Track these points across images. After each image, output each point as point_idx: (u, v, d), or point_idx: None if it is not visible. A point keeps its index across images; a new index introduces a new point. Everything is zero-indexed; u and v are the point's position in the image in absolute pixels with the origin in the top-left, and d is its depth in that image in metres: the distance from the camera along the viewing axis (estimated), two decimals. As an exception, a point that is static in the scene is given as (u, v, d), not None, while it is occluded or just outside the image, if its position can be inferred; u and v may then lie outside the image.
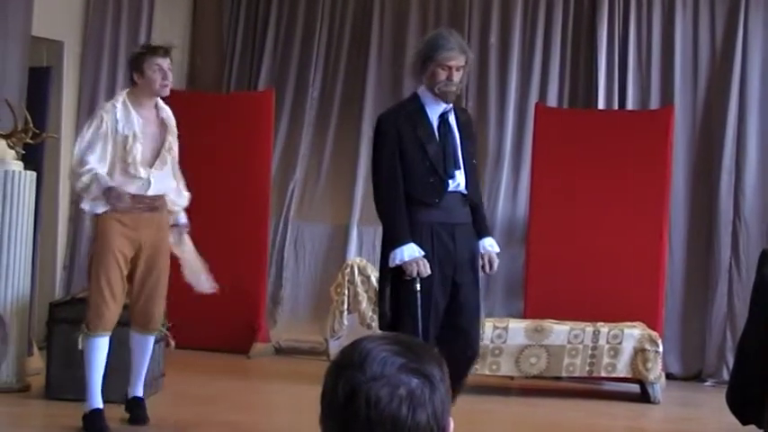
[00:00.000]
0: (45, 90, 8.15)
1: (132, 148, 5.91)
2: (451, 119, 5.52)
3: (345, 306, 8.63)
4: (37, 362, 7.37)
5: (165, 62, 6.00)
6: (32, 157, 7.29)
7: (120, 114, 5.91)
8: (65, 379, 6.55)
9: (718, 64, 9.26)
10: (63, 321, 6.61)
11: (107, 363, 6.01)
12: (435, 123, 5.47)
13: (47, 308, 7.06)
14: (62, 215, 8.76)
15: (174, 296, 7.82)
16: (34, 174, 7.10)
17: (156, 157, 6.01)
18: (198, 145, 9.07)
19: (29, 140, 7.09)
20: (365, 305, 8.57)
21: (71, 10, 8.92)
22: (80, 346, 5.97)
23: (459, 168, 5.46)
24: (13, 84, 7.58)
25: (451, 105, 5.53)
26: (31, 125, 7.06)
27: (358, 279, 8.61)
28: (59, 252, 8.79)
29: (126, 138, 5.91)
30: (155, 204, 6.07)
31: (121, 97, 6.02)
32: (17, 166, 7.01)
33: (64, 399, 6.52)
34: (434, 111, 5.49)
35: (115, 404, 6.16)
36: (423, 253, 5.33)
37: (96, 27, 9.02)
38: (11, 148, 7.03)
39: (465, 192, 5.49)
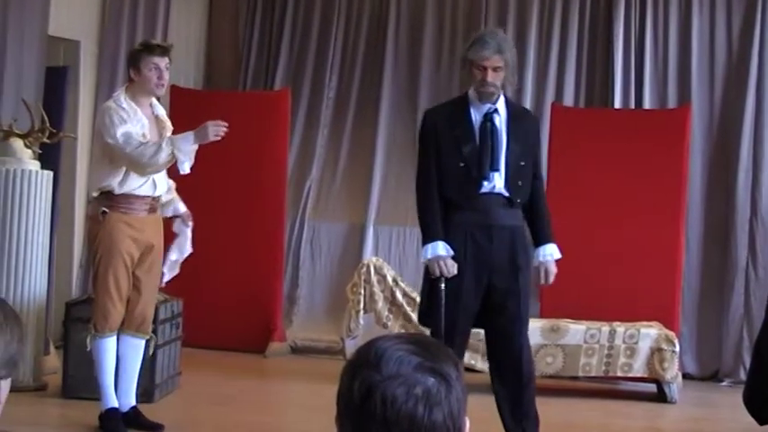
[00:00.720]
0: (62, 90, 8.15)
1: None
2: (498, 120, 5.38)
3: (361, 305, 8.61)
4: (53, 361, 7.39)
5: (162, 61, 5.90)
6: (49, 157, 7.30)
7: (131, 114, 5.89)
8: (81, 378, 6.56)
9: (735, 62, 9.22)
10: (79, 320, 6.60)
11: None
12: (478, 123, 5.37)
13: (63, 307, 7.08)
14: (79, 215, 8.77)
15: (190, 296, 7.85)
16: (51, 173, 7.11)
17: None
18: (214, 144, 9.07)
19: (46, 140, 7.10)
20: (381, 305, 8.55)
21: (88, 10, 8.93)
22: (88, 348, 5.98)
23: (498, 170, 5.31)
24: (29, 83, 7.60)
25: (495, 106, 5.39)
26: (48, 125, 7.07)
27: (374, 278, 8.59)
28: (76, 251, 8.80)
29: None
30: (156, 205, 6.07)
31: (122, 96, 5.93)
32: (34, 165, 7.02)
33: (80, 398, 6.54)
34: (479, 110, 5.38)
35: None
36: (451, 253, 5.25)
37: (113, 26, 9.03)
38: (28, 147, 7.05)
39: (506, 194, 5.37)
